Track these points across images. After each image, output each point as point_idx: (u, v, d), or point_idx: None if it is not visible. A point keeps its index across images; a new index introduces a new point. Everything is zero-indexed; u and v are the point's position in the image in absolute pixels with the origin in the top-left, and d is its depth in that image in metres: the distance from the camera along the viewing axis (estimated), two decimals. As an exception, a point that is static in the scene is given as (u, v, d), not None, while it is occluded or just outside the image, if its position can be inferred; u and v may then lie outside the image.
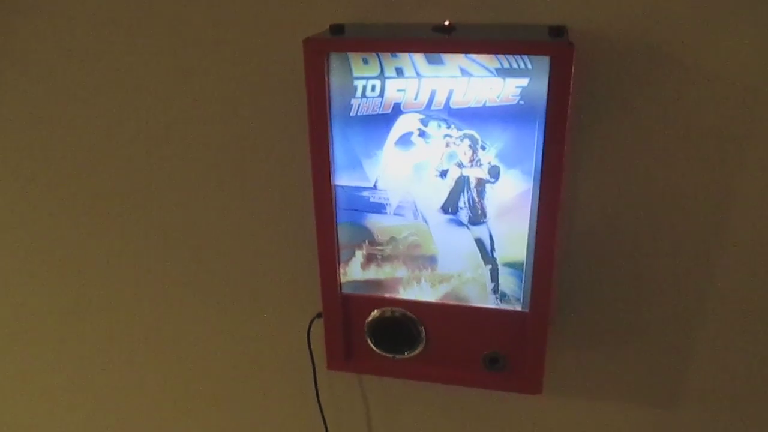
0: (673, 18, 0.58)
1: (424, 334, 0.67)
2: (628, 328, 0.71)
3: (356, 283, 0.67)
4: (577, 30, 0.60)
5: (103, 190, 0.81)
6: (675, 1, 0.57)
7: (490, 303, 0.64)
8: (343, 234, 0.65)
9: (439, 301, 0.66)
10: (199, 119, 0.73)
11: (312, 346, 0.77)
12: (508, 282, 0.63)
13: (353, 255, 0.66)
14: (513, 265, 0.62)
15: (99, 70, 0.73)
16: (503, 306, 0.64)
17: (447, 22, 0.59)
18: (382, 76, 0.57)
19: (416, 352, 0.68)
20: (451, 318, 0.66)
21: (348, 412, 0.85)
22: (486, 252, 0.62)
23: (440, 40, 0.56)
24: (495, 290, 0.64)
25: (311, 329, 0.76)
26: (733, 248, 0.65)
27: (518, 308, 0.64)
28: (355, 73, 0.58)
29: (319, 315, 0.70)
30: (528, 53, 0.53)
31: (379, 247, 0.65)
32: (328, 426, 0.84)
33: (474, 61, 0.55)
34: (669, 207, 0.64)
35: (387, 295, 0.67)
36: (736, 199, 0.63)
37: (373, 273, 0.66)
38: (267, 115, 0.71)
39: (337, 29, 0.60)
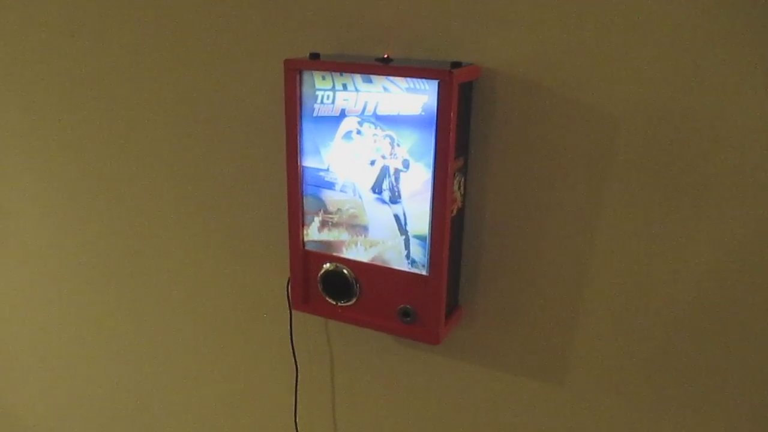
0: (553, 62, 0.77)
1: (358, 287, 0.88)
2: (523, 310, 0.88)
3: (314, 243, 0.90)
4: (487, 67, 0.80)
5: (106, 173, 1.11)
6: (555, 52, 0.76)
7: (405, 267, 0.84)
8: (307, 203, 0.88)
9: (370, 262, 0.87)
10: (202, 116, 1.02)
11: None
12: (416, 251, 0.83)
13: (313, 220, 0.89)
14: (420, 237, 0.82)
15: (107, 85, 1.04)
16: (413, 270, 0.84)
17: (386, 55, 0.82)
18: (333, 89, 0.81)
19: (352, 302, 0.89)
20: (377, 276, 0.86)
21: (315, 349, 1.07)
22: (401, 225, 0.83)
23: (371, 65, 0.79)
24: (408, 256, 0.84)
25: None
26: (601, 237, 0.80)
27: (423, 273, 0.83)
28: (317, 86, 0.82)
29: (289, 267, 0.94)
30: (424, 77, 0.75)
31: (329, 215, 0.87)
32: (297, 360, 1.06)
33: (392, 81, 0.77)
34: (548, 206, 0.82)
35: (334, 253, 0.89)
36: (604, 200, 0.79)
37: (325, 235, 0.89)
38: (254, 114, 0.98)
39: (314, 56, 0.84)
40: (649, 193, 0.76)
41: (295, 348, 1.05)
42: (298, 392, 1.09)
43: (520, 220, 0.84)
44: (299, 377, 1.08)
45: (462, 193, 0.85)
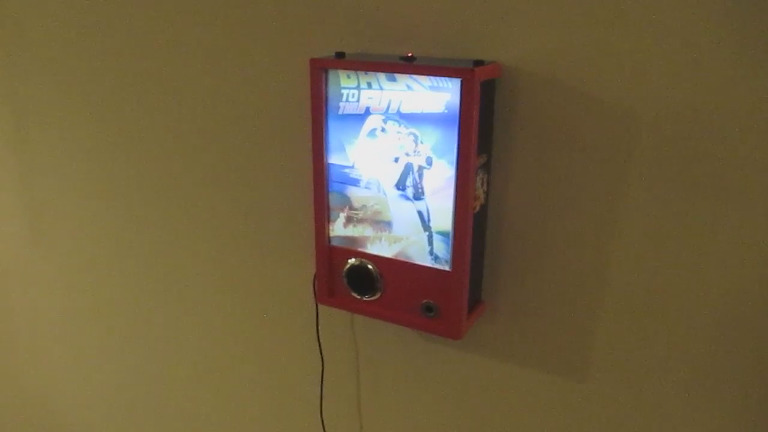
0: (575, 59, 0.77)
1: (381, 282, 0.90)
2: (545, 306, 0.88)
3: (339, 238, 0.92)
4: (509, 65, 0.81)
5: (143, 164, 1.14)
6: (577, 49, 0.77)
7: (428, 262, 0.86)
8: (332, 199, 0.90)
9: (393, 257, 0.88)
10: (230, 114, 1.05)
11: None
12: (439, 247, 0.84)
13: (338, 216, 0.91)
14: (443, 234, 0.83)
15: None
16: (436, 265, 0.85)
17: (409, 54, 0.84)
18: (358, 87, 0.83)
19: (376, 296, 0.91)
20: (401, 271, 0.88)
21: (341, 343, 1.09)
22: (424, 222, 0.84)
23: (395, 64, 0.80)
24: (431, 252, 0.85)
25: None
26: (623, 235, 0.80)
27: (446, 268, 0.84)
28: (342, 84, 0.84)
29: (315, 262, 0.96)
30: (446, 76, 0.76)
31: (354, 212, 0.89)
32: (323, 353, 1.08)
33: (415, 80, 0.78)
34: (569, 203, 0.82)
35: (359, 249, 0.91)
36: (625, 197, 0.79)
37: (350, 231, 0.91)
38: (281, 112, 1.00)
39: (339, 55, 0.86)
40: (671, 190, 0.76)
41: (321, 341, 1.07)
42: (324, 384, 1.11)
43: (542, 216, 0.85)
44: (325, 370, 1.10)
45: (484, 190, 0.85)
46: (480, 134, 0.79)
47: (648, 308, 0.82)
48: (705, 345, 0.79)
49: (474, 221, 0.83)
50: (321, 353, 1.08)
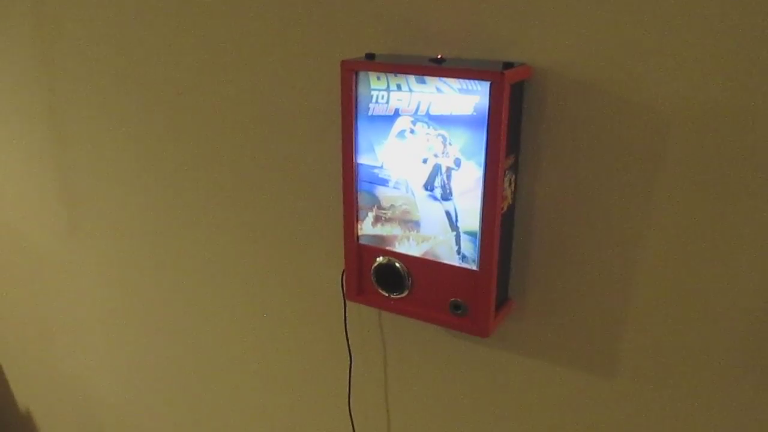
0: (604, 61, 0.77)
1: (410, 280, 0.91)
2: (572, 305, 0.89)
3: (368, 237, 0.93)
4: (539, 66, 0.82)
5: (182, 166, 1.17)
6: (606, 51, 0.77)
7: (455, 261, 0.87)
8: (361, 199, 0.92)
9: (421, 256, 0.89)
10: (263, 115, 1.07)
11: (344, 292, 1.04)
12: (467, 246, 0.85)
13: (367, 215, 0.92)
14: (471, 234, 0.84)
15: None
16: (464, 265, 0.86)
17: (439, 56, 0.85)
18: (388, 89, 0.84)
19: (404, 294, 0.93)
20: (429, 270, 0.89)
21: (368, 339, 1.11)
22: (452, 222, 0.85)
23: (425, 66, 0.81)
24: (458, 252, 0.86)
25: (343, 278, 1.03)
26: (651, 236, 0.81)
27: (474, 268, 0.86)
28: (372, 86, 0.85)
29: (344, 259, 0.98)
30: (476, 78, 0.76)
31: (383, 211, 0.91)
32: (351, 349, 1.10)
33: (445, 82, 0.79)
34: (597, 204, 0.83)
35: (387, 247, 0.92)
36: (655, 198, 0.79)
37: (379, 230, 0.92)
38: (312, 112, 1.02)
39: (370, 56, 0.87)
40: (702, 191, 0.76)
41: (349, 337, 1.09)
42: (351, 379, 1.13)
43: (570, 217, 0.85)
44: (353, 365, 1.12)
45: (512, 190, 0.86)
46: (508, 136, 0.80)
47: (677, 307, 0.82)
48: (734, 344, 0.79)
49: (501, 221, 0.84)
50: (349, 349, 1.10)
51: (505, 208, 0.85)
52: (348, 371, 1.13)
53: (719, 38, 0.70)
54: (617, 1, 0.74)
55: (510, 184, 0.85)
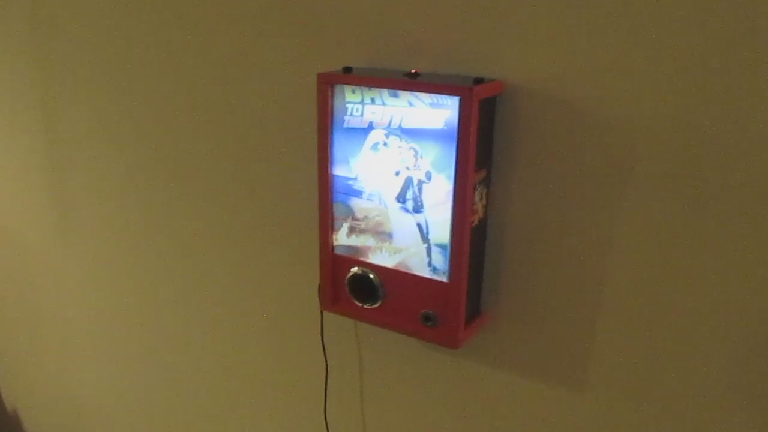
0: (575, 78, 0.78)
1: (383, 290, 0.92)
2: (544, 317, 0.89)
3: (342, 247, 0.94)
4: (511, 82, 0.83)
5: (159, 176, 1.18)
6: (577, 68, 0.78)
7: (426, 273, 0.88)
8: (336, 210, 0.93)
9: (394, 267, 0.90)
10: (240, 126, 1.09)
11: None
12: (438, 258, 0.86)
13: (342, 226, 0.93)
14: (441, 246, 0.85)
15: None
16: (435, 277, 0.87)
17: (414, 70, 0.86)
18: (362, 102, 0.85)
19: (378, 304, 0.93)
20: (401, 281, 0.90)
21: (345, 349, 1.12)
22: (423, 234, 0.86)
23: (397, 81, 0.82)
24: (429, 264, 0.87)
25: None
26: (622, 250, 0.81)
27: (444, 280, 0.86)
28: (347, 99, 0.86)
29: (320, 269, 0.99)
30: (445, 93, 0.78)
31: (357, 222, 0.92)
32: (327, 358, 1.11)
33: (416, 96, 0.81)
34: (569, 218, 0.84)
35: (361, 258, 0.93)
36: (625, 213, 0.80)
37: (353, 240, 0.93)
38: (290, 124, 1.03)
39: (347, 69, 0.89)
40: (671, 206, 0.77)
41: (325, 346, 1.10)
42: (327, 388, 1.14)
43: (542, 230, 0.86)
44: (329, 374, 1.13)
45: (484, 204, 0.87)
46: (479, 149, 0.81)
47: (648, 320, 0.82)
48: (705, 357, 0.80)
49: (472, 234, 0.85)
50: (326, 358, 1.10)
51: (477, 222, 0.86)
52: (324, 380, 1.13)
53: (689, 57, 0.71)
54: (588, 20, 0.75)
55: (481, 197, 0.86)
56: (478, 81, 0.79)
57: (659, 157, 0.76)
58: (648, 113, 0.75)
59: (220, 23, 1.06)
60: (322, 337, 1.09)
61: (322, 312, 1.07)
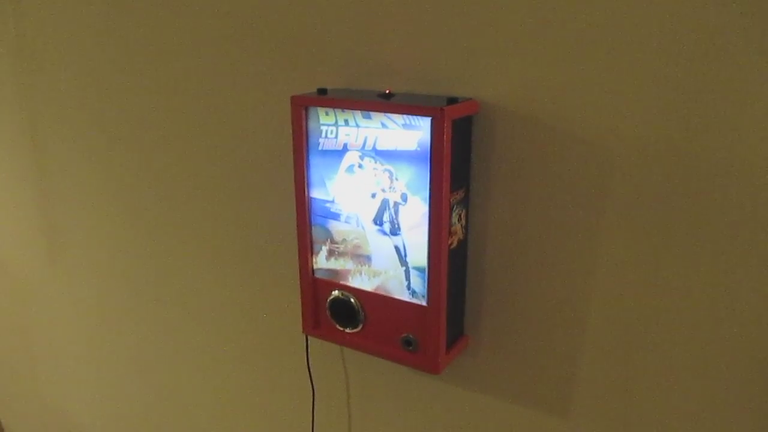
0: (551, 97, 0.77)
1: (363, 314, 0.91)
2: (527, 341, 0.87)
3: (322, 270, 0.93)
4: (487, 102, 0.81)
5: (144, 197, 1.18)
6: (553, 87, 0.76)
7: (406, 297, 0.86)
8: (315, 233, 0.91)
9: (373, 291, 0.89)
10: (220, 151, 1.08)
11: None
12: (416, 281, 0.84)
13: (321, 249, 0.92)
14: (419, 269, 0.83)
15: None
16: (414, 300, 0.85)
17: (387, 90, 0.85)
18: (336, 124, 0.84)
19: (358, 329, 0.92)
20: (381, 305, 0.88)
21: (331, 373, 1.10)
22: (401, 257, 0.85)
23: (368, 102, 0.81)
24: (408, 287, 0.85)
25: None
26: (603, 270, 0.79)
27: (423, 303, 0.85)
28: (321, 121, 0.85)
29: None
30: (417, 114, 0.76)
31: (336, 245, 0.90)
32: (314, 382, 1.09)
33: (389, 118, 0.79)
34: (548, 238, 0.81)
35: (341, 281, 0.91)
36: (605, 232, 0.78)
37: (333, 263, 0.92)
38: (268, 147, 1.02)
39: (322, 91, 0.88)
40: (650, 224, 0.75)
41: (311, 370, 1.08)
42: (315, 412, 1.12)
43: (522, 251, 0.84)
44: (316, 398, 1.11)
45: (463, 225, 0.85)
46: (455, 170, 0.79)
47: (630, 344, 0.80)
48: (687, 381, 0.77)
49: (451, 256, 0.83)
50: (311, 382, 1.08)
51: (455, 243, 0.84)
52: (311, 405, 1.11)
53: (665, 74, 0.69)
54: (564, 38, 0.74)
55: (460, 218, 0.84)
56: (452, 101, 0.77)
57: (637, 176, 0.74)
58: (625, 131, 0.73)
59: (197, 48, 1.06)
60: (308, 361, 1.07)
61: (307, 336, 1.05)
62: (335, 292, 0.92)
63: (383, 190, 0.83)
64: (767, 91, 0.65)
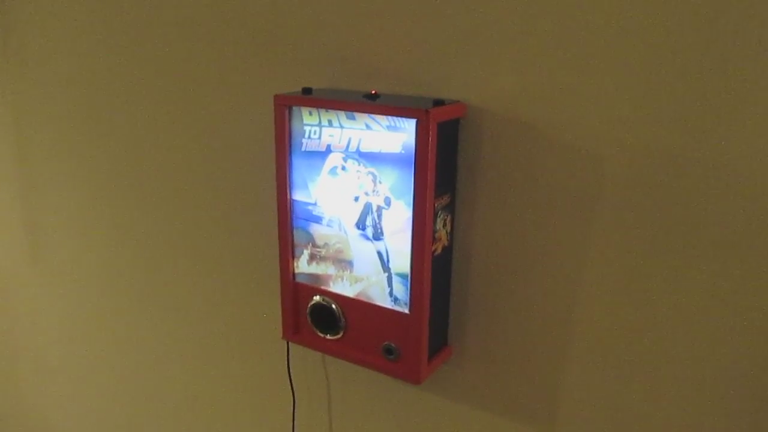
0: (539, 101, 0.74)
1: (344, 321, 0.88)
2: (511, 351, 0.85)
3: (303, 275, 0.90)
4: (474, 105, 0.79)
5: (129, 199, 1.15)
6: (541, 91, 0.74)
7: (388, 304, 0.83)
8: (296, 236, 0.89)
9: (355, 297, 0.86)
10: (204, 153, 1.06)
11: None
12: (399, 288, 0.82)
13: (302, 253, 0.89)
14: (402, 275, 0.81)
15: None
16: (396, 307, 0.83)
17: (373, 91, 0.82)
18: (320, 124, 0.82)
19: (339, 335, 0.89)
20: (362, 311, 0.86)
21: (312, 380, 1.07)
22: (384, 262, 0.82)
23: (352, 103, 0.79)
24: (390, 294, 0.83)
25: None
26: (589, 278, 0.77)
27: (405, 311, 0.82)
28: (305, 121, 0.83)
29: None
30: (402, 115, 0.74)
31: (317, 249, 0.88)
32: (294, 389, 1.06)
33: (373, 119, 0.77)
34: (535, 245, 0.79)
35: (322, 287, 0.89)
36: (593, 239, 0.76)
37: (314, 268, 0.89)
38: (251, 147, 1.00)
39: (306, 90, 0.85)
40: (639, 231, 0.72)
41: (291, 376, 1.05)
42: (295, 419, 1.09)
43: (508, 258, 0.82)
44: (296, 405, 1.08)
45: (447, 231, 0.83)
46: (440, 175, 0.77)
47: (616, 355, 0.78)
48: (673, 393, 0.75)
49: (435, 263, 0.80)
50: (292, 388, 1.06)
51: (440, 250, 0.82)
52: (292, 412, 1.08)
53: (654, 81, 0.67)
54: (553, 42, 0.72)
55: (445, 224, 0.82)
56: (438, 103, 0.75)
57: (624, 183, 0.71)
58: (615, 137, 0.71)
59: (180, 46, 1.03)
60: (288, 367, 1.04)
61: (288, 342, 1.03)
62: (316, 298, 0.90)
63: (366, 194, 0.80)
64: (756, 99, 0.62)
